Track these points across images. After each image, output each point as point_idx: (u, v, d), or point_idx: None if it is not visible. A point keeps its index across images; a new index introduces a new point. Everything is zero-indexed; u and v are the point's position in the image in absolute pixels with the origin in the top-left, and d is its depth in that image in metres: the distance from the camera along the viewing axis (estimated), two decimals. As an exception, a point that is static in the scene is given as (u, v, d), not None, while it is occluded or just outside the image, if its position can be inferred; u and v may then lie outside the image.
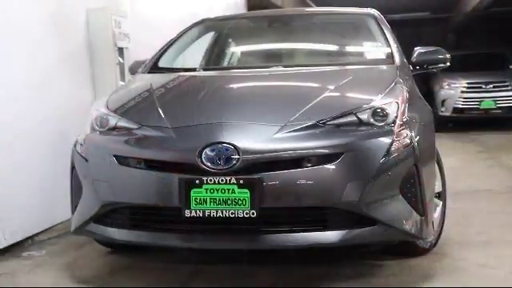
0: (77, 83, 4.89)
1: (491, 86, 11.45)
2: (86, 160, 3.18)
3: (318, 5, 14.18)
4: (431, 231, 3.31)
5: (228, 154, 2.86)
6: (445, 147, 9.46)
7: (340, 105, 3.13)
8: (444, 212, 3.83)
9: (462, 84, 11.72)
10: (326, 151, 2.88)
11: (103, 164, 3.09)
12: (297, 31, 4.69)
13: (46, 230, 4.40)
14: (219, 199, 2.85)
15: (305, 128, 2.96)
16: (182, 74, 3.96)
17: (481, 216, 4.63)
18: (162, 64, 4.26)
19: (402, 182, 3.00)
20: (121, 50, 5.16)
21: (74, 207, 3.32)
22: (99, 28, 5.05)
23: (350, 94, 3.32)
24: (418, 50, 4.31)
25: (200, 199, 2.86)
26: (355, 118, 3.03)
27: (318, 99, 3.18)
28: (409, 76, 3.85)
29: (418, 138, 3.12)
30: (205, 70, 4.19)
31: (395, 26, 16.79)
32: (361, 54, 4.38)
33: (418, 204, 3.06)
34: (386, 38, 4.13)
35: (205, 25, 4.71)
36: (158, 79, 3.85)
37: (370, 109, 3.07)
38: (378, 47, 4.14)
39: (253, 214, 2.83)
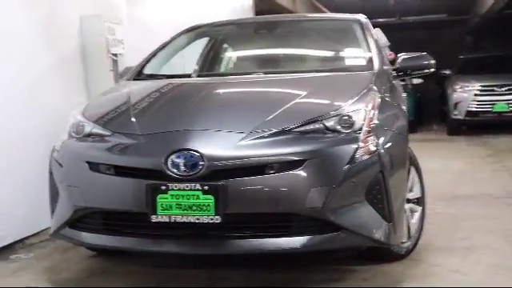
0: (70, 88, 4.98)
1: (505, 88, 11.33)
2: (61, 166, 3.26)
3: (330, 9, 14.20)
4: (401, 237, 3.33)
5: (193, 161, 2.91)
6: (454, 150, 9.49)
7: (308, 112, 3.16)
8: (423, 218, 3.84)
9: (475, 87, 11.62)
10: (290, 158, 2.92)
11: (76, 170, 3.17)
12: (282, 38, 4.73)
13: (38, 233, 4.48)
14: (184, 205, 2.90)
15: (270, 135, 3.01)
16: (162, 81, 4.02)
17: (471, 221, 4.62)
18: (148, 71, 4.32)
19: (367, 188, 3.02)
20: (115, 56, 5.24)
21: (52, 212, 3.40)
22: (92, 34, 5.15)
23: (319, 101, 3.35)
24: (401, 55, 4.33)
25: (166, 205, 2.92)
26: (321, 125, 3.06)
27: (287, 106, 3.22)
28: (388, 82, 3.87)
29: (386, 145, 3.13)
30: (185, 76, 4.23)
31: (410, 28, 16.74)
32: (339, 61, 4.39)
33: (385, 210, 3.08)
34: (368, 44, 4.15)
35: (194, 31, 4.77)
36: (138, 86, 3.92)
37: (336, 116, 3.10)
38: (359, 53, 4.15)
39: (217, 219, 2.88)
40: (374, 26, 4.72)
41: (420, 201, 3.83)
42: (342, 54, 4.36)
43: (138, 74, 4.26)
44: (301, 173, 2.89)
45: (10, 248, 4.18)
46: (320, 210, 2.90)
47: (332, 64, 4.38)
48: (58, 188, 3.30)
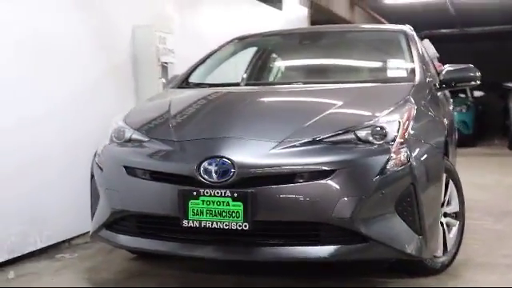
0: (121, 96, 5.14)
1: None
2: (102, 169, 3.38)
3: (389, 20, 14.08)
4: (434, 251, 3.29)
5: (225, 168, 2.98)
6: (509, 165, 9.24)
7: (341, 122, 3.18)
8: (462, 232, 3.78)
9: (536, 100, 11.34)
10: (319, 167, 2.94)
11: (115, 174, 3.29)
12: (325, 48, 4.76)
13: (84, 234, 4.63)
14: (214, 211, 2.97)
15: (301, 144, 3.04)
16: (205, 89, 4.12)
17: (517, 238, 4.52)
18: (194, 79, 4.44)
19: (397, 200, 3.01)
20: (165, 64, 5.37)
21: (92, 214, 3.53)
22: (144, 44, 5.29)
23: (353, 112, 3.36)
24: (446, 67, 4.29)
25: (197, 210, 2.99)
26: (353, 136, 3.08)
27: (321, 116, 3.25)
28: (429, 94, 3.85)
29: (419, 157, 3.12)
30: (230, 85, 4.31)
31: (474, 39, 16.28)
32: (381, 72, 4.36)
33: (416, 223, 3.06)
34: (412, 56, 4.13)
35: (242, 41, 4.86)
36: (181, 95, 4.04)
37: (369, 127, 3.11)
38: (401, 64, 4.14)
39: (245, 226, 2.93)
40: (435, 38, 4.71)
41: (458, 215, 3.76)
42: (384, 65, 4.34)
43: (184, 82, 4.38)
44: (330, 182, 2.91)
45: (56, 248, 4.34)
46: (348, 220, 2.90)
47: (373, 75, 4.38)
48: (98, 191, 3.42)
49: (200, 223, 3.00)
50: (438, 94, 4.31)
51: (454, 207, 3.72)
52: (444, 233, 3.60)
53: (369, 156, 3.00)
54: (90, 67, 4.82)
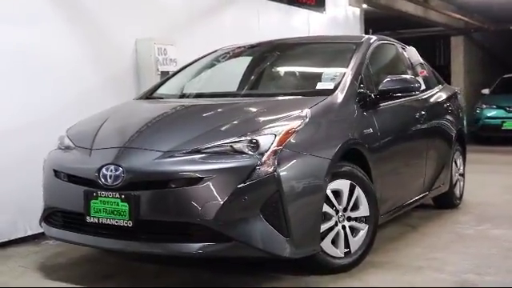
0: (123, 101, 5.79)
1: None
2: (43, 171, 4.04)
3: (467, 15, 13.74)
4: (307, 252, 3.59)
5: (117, 174, 3.52)
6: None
7: (224, 134, 3.60)
8: (372, 235, 4.03)
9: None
10: (190, 175, 3.40)
11: (47, 175, 3.95)
12: (275, 60, 5.10)
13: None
14: (108, 209, 3.53)
15: (182, 154, 3.52)
16: (153, 101, 4.68)
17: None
18: (162, 90, 4.98)
19: (263, 205, 3.39)
20: (165, 74, 5.96)
21: (43, 210, 4.19)
22: (144, 55, 5.93)
23: (242, 125, 3.72)
24: (386, 78, 4.51)
25: (97, 208, 3.57)
26: (229, 147, 3.49)
27: (211, 128, 3.69)
28: (349, 106, 4.11)
29: (291, 168, 3.47)
30: (181, 97, 4.79)
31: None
32: (310, 84, 4.55)
33: (282, 226, 3.42)
34: (347, 69, 4.37)
35: (216, 54, 5.32)
36: (129, 106, 4.62)
37: (245, 140, 3.50)
38: (334, 76, 4.39)
39: (130, 223, 3.46)
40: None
41: (368, 219, 4.02)
42: (317, 77, 4.55)
43: (151, 94, 4.93)
44: (198, 188, 3.36)
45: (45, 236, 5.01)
46: (212, 222, 3.34)
47: (300, 87, 4.68)
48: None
49: (99, 219, 3.57)
50: (382, 104, 4.49)
51: (361, 212, 3.98)
52: (346, 236, 3.89)
53: (235, 165, 3.40)
54: (93, 77, 5.54)
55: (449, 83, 15.59)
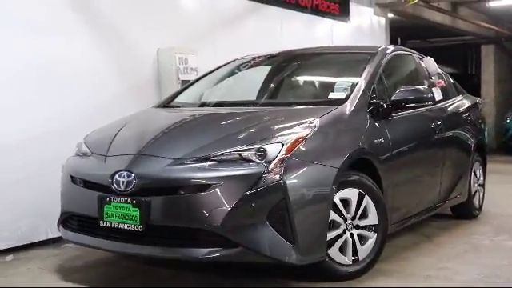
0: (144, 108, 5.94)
1: None
2: (61, 176, 4.19)
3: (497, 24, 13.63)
4: (314, 259, 3.65)
5: (129, 180, 3.64)
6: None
7: (234, 143, 3.69)
8: (380, 243, 4.08)
9: None
10: (199, 182, 3.50)
11: (65, 181, 4.09)
12: (294, 70, 5.18)
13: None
14: (121, 214, 3.65)
15: (192, 161, 3.61)
16: (172, 109, 4.80)
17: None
18: (181, 99, 5.10)
19: (270, 212, 3.47)
20: (186, 83, 6.08)
21: (61, 214, 4.34)
22: (166, 64, 6.08)
23: (251, 134, 3.81)
24: (399, 88, 4.56)
25: (110, 213, 3.69)
26: (237, 155, 3.58)
27: (221, 137, 3.79)
28: (359, 116, 4.17)
29: (298, 176, 3.55)
30: (201, 106, 4.91)
31: None
32: (323, 93, 4.67)
33: (288, 233, 3.49)
34: (361, 80, 4.44)
35: (235, 63, 5.43)
36: (147, 114, 4.74)
37: (252, 148, 3.59)
38: (346, 87, 4.45)
39: (140, 228, 3.57)
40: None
41: (377, 228, 4.06)
42: (328, 87, 4.62)
43: (169, 102, 5.06)
44: (206, 195, 3.46)
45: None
46: (219, 228, 3.43)
47: (314, 96, 4.77)
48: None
49: (111, 224, 3.69)
50: (395, 114, 4.54)
51: (370, 220, 4.03)
52: (354, 244, 3.95)
53: (242, 173, 3.49)
54: (116, 86, 5.72)
55: (479, 92, 15.60)
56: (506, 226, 5.70)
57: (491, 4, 12.60)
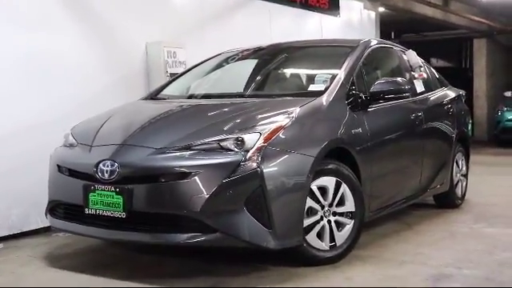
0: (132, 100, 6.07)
1: None
2: (49, 166, 4.33)
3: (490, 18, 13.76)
4: (290, 243, 3.79)
5: (113, 169, 3.78)
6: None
7: (213, 132, 3.83)
8: (357, 229, 4.23)
9: None
10: (179, 170, 3.64)
11: (52, 170, 4.24)
12: (277, 63, 5.31)
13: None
14: (105, 202, 3.79)
15: (174, 150, 3.76)
16: (158, 101, 4.94)
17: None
18: (168, 91, 5.24)
19: (247, 198, 3.61)
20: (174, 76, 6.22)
21: (48, 204, 4.48)
22: (154, 57, 6.22)
23: (230, 124, 3.93)
24: (378, 81, 4.70)
25: (94, 201, 3.83)
26: (217, 145, 3.73)
27: (203, 127, 3.93)
28: (336, 107, 4.31)
29: (275, 164, 3.69)
30: (189, 98, 5.07)
31: None
32: (303, 85, 4.86)
33: (265, 219, 3.64)
34: (340, 72, 4.58)
35: (222, 56, 5.57)
36: (133, 106, 4.88)
37: (231, 137, 3.73)
38: (326, 78, 4.59)
39: (123, 215, 3.72)
40: None
41: (354, 214, 4.21)
42: (309, 80, 4.79)
43: (156, 95, 5.20)
44: (185, 182, 3.60)
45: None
46: (198, 213, 3.58)
47: (295, 88, 4.93)
48: (49, 184, 4.38)
49: (96, 211, 3.83)
50: (374, 105, 4.68)
51: (347, 207, 4.18)
52: (332, 230, 4.09)
53: (221, 161, 3.64)
54: (105, 79, 5.87)
55: (472, 85, 15.74)
56: (486, 215, 5.84)
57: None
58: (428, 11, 12.03)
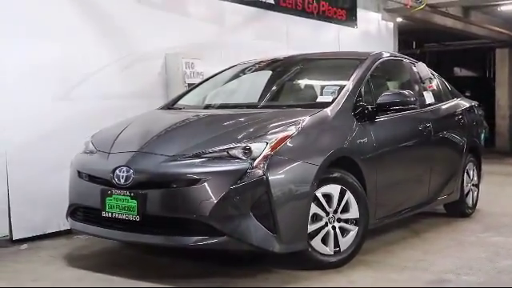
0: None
1: None
2: (70, 172, 4.59)
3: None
4: (295, 248, 3.99)
5: (127, 174, 4.02)
6: None
7: (224, 141, 4.05)
8: (361, 235, 4.40)
9: None
10: (190, 177, 3.86)
11: (72, 176, 4.50)
12: (290, 74, 5.52)
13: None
14: (120, 206, 4.03)
15: (185, 158, 3.99)
16: (175, 111, 5.18)
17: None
18: (184, 101, 5.48)
19: (253, 204, 3.82)
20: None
21: (69, 207, 4.73)
22: (173, 68, 6.47)
23: (240, 133, 4.14)
24: (384, 92, 4.88)
25: (111, 205, 4.07)
26: (225, 153, 3.95)
27: (212, 136, 4.15)
28: (342, 118, 4.50)
29: (281, 172, 3.89)
30: (205, 108, 5.31)
31: None
32: (312, 97, 5.04)
33: (270, 224, 3.84)
34: (348, 84, 4.76)
35: (238, 67, 5.79)
36: (150, 115, 5.13)
37: (239, 146, 3.95)
38: (333, 92, 4.77)
39: (137, 218, 3.95)
40: None
41: (358, 221, 4.38)
42: (318, 91, 5.00)
43: (173, 104, 5.44)
44: (195, 188, 3.82)
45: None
46: (206, 218, 3.79)
47: (304, 99, 5.13)
48: (70, 188, 4.64)
49: (112, 214, 4.07)
50: (381, 116, 4.85)
51: (352, 214, 4.35)
52: (336, 236, 4.28)
53: (229, 169, 3.85)
54: (126, 89, 6.12)
55: (494, 95, 15.72)
56: (495, 224, 5.95)
57: (502, 8, 12.78)
58: (448, 22, 12.13)
